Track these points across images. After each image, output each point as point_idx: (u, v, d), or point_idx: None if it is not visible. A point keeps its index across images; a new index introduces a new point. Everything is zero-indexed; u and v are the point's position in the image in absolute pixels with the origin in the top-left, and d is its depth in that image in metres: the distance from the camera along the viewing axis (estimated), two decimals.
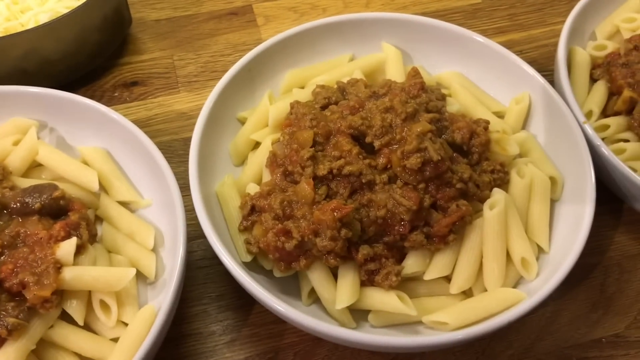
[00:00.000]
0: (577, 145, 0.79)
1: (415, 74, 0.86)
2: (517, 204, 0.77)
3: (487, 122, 0.80)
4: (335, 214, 0.69)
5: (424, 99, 0.79)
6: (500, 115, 0.88)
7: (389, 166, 0.74)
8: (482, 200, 0.76)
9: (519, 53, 1.05)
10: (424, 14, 1.10)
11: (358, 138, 0.76)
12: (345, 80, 0.86)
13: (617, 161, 0.78)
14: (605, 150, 0.79)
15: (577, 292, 0.81)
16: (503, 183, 0.79)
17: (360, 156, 0.74)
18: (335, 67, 0.91)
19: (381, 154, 0.74)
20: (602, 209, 0.85)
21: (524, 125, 0.88)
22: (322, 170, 0.73)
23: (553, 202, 0.80)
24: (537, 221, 0.77)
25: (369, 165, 0.73)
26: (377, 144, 0.75)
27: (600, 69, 0.92)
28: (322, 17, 1.09)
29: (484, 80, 0.92)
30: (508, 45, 1.07)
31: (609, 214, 0.87)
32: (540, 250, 0.77)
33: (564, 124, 0.82)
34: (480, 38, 0.90)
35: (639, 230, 0.86)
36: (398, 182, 0.73)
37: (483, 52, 0.91)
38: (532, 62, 1.03)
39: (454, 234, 0.73)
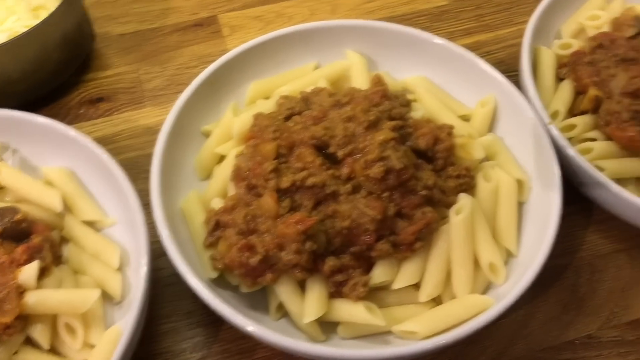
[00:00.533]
0: (542, 146, 0.79)
1: (378, 80, 0.85)
2: (484, 208, 0.77)
3: (451, 127, 0.80)
4: (298, 227, 0.69)
5: (386, 107, 0.79)
6: (467, 118, 0.88)
7: (352, 176, 0.73)
8: (449, 206, 0.75)
9: (486, 54, 1.05)
10: (390, 18, 1.10)
11: (322, 148, 0.76)
12: (309, 89, 0.85)
13: (582, 161, 0.77)
14: (571, 150, 0.78)
15: (549, 294, 0.81)
16: (469, 188, 0.78)
17: (323, 167, 0.73)
18: (299, 76, 0.90)
19: (344, 164, 0.74)
20: (572, 208, 0.85)
21: (491, 127, 0.88)
22: (285, 183, 0.72)
23: (521, 204, 0.80)
24: (504, 225, 0.77)
25: (333, 176, 0.73)
26: (340, 153, 0.74)
27: (566, 68, 0.92)
28: (287, 25, 1.08)
29: (450, 83, 0.92)
30: (475, 46, 1.07)
31: (580, 214, 0.87)
32: (509, 254, 0.76)
33: (529, 126, 0.81)
34: (442, 41, 0.90)
35: (610, 228, 0.85)
36: (362, 191, 0.73)
37: (447, 56, 0.90)
38: (499, 63, 1.04)
39: (420, 241, 0.73)
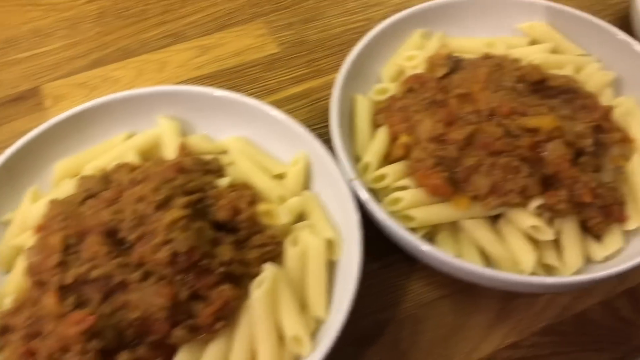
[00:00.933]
0: (345, 202, 0.77)
1: (182, 149, 0.82)
2: (292, 274, 0.75)
3: (254, 196, 0.78)
4: (79, 326, 0.65)
5: (181, 181, 0.76)
6: (284, 176, 0.86)
7: (143, 262, 0.70)
8: (255, 277, 0.73)
9: (316, 101, 1.04)
10: (220, 72, 1.08)
11: (114, 234, 0.72)
12: (111, 166, 0.82)
13: (382, 216, 0.76)
14: (372, 205, 0.77)
15: (370, 353, 0.79)
16: (276, 255, 0.76)
17: (110, 255, 0.70)
18: (108, 149, 0.87)
19: (135, 250, 0.71)
20: (396, 257, 0.84)
21: (308, 184, 0.86)
22: (69, 278, 0.68)
23: (334, 263, 0.78)
24: (312, 289, 0.75)
25: (121, 265, 0.69)
26: (130, 238, 0.71)
27: (382, 114, 0.91)
28: (113, 89, 1.05)
29: (270, 140, 0.90)
30: (306, 93, 1.06)
31: (404, 262, 0.85)
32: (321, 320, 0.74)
33: (335, 182, 0.80)
34: (250, 101, 0.88)
35: (434, 274, 0.84)
36: (153, 277, 0.69)
37: (260, 114, 0.88)
38: (326, 111, 1.02)
39: (222, 320, 0.70)
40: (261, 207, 0.77)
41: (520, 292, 0.82)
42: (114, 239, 0.72)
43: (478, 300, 0.82)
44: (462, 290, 0.83)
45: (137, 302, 0.68)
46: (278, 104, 1.02)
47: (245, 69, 1.09)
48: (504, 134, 0.80)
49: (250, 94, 1.03)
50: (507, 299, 0.82)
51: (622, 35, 0.94)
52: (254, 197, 0.78)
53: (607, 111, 0.86)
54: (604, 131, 0.84)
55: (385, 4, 1.18)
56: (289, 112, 1.01)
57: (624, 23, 1.10)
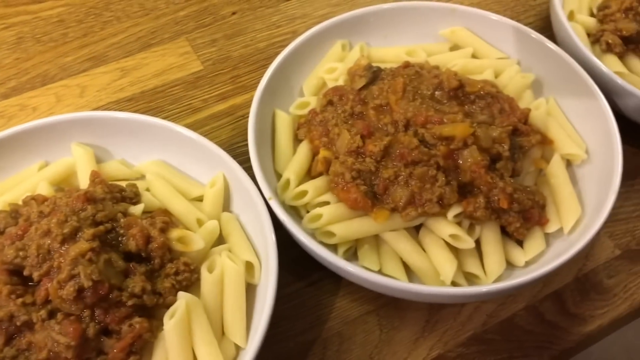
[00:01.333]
0: (262, 222, 0.76)
1: (93, 178, 0.80)
2: (209, 301, 0.73)
3: (166, 223, 0.75)
4: None
5: (90, 212, 0.73)
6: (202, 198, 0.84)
7: (49, 299, 0.67)
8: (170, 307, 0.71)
9: (241, 118, 1.02)
10: (142, 92, 1.05)
11: (19, 272, 0.70)
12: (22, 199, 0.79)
13: (301, 236, 0.75)
14: (290, 225, 0.76)
15: None
16: (192, 283, 0.74)
17: (14, 295, 0.67)
18: (20, 181, 0.84)
19: (41, 287, 0.68)
20: (322, 274, 0.83)
21: (228, 206, 0.84)
22: None
23: (254, 287, 0.77)
24: (231, 315, 0.73)
25: (25, 304, 0.67)
26: (35, 276, 0.68)
27: (303, 128, 0.90)
28: (31, 118, 1.02)
29: (187, 163, 0.88)
30: (231, 110, 1.04)
31: (330, 279, 0.84)
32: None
33: (253, 202, 0.78)
34: (165, 123, 0.86)
35: (359, 290, 0.82)
36: (59, 315, 0.67)
37: (175, 137, 0.86)
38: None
39: (135, 355, 0.68)
40: (174, 234, 0.75)
41: (443, 303, 0.81)
42: (19, 277, 0.70)
43: (404, 313, 0.81)
44: (388, 304, 0.82)
45: (43, 342, 0.66)
46: (202, 123, 1.02)
47: (168, 88, 1.06)
48: (419, 143, 0.79)
49: (173, 114, 1.02)
50: (433, 310, 0.81)
51: (536, 35, 0.94)
52: (168, 224, 0.76)
53: (525, 114, 0.86)
54: (523, 134, 0.84)
55: (310, 16, 1.17)
56: (213, 130, 1.01)
57: (547, 24, 1.11)
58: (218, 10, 1.18)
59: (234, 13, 1.18)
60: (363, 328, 0.81)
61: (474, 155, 0.78)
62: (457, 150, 0.79)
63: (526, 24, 1.10)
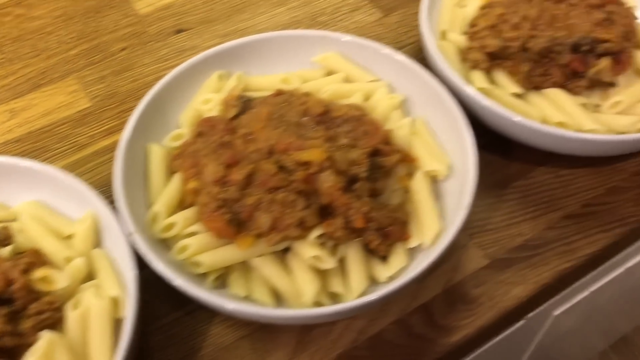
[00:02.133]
0: (125, 258, 0.77)
1: None
2: (73, 339, 0.74)
3: (30, 263, 0.76)
4: None
5: None
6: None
7: None
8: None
9: None
10: (29, 133, 1.06)
11: None
12: None
13: (161, 269, 0.76)
14: (150, 259, 0.77)
15: None
16: (56, 322, 0.75)
17: None
18: None
19: None
20: (198, 303, 0.84)
21: (101, 242, 0.85)
22: None
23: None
24: (96, 352, 0.74)
25: None
26: None
27: (177, 160, 0.91)
28: None
29: (61, 202, 0.88)
30: (115, 146, 1.02)
31: (206, 307, 0.85)
32: None
33: (117, 238, 0.80)
34: (35, 165, 0.87)
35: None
36: None
37: (48, 177, 0.87)
38: None
39: None
40: (37, 274, 0.76)
41: (307, 323, 0.83)
42: None
43: (277, 336, 0.83)
44: (262, 328, 0.84)
45: None
46: (87, 159, 1.03)
47: (55, 127, 1.07)
48: (278, 170, 0.82)
49: (58, 153, 1.04)
50: (305, 331, 0.83)
51: (400, 56, 0.98)
52: (33, 264, 0.77)
53: (386, 135, 0.89)
54: (384, 154, 0.87)
55: (198, 47, 1.19)
56: (97, 166, 1.02)
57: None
58: (108, 47, 1.20)
59: (123, 49, 1.20)
60: (236, 353, 0.82)
61: (330, 179, 0.81)
62: (315, 175, 0.82)
63: (408, 44, 1.16)
